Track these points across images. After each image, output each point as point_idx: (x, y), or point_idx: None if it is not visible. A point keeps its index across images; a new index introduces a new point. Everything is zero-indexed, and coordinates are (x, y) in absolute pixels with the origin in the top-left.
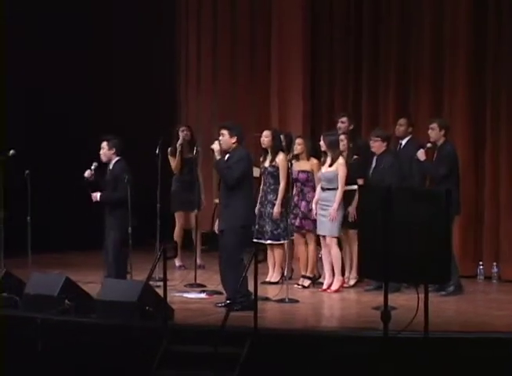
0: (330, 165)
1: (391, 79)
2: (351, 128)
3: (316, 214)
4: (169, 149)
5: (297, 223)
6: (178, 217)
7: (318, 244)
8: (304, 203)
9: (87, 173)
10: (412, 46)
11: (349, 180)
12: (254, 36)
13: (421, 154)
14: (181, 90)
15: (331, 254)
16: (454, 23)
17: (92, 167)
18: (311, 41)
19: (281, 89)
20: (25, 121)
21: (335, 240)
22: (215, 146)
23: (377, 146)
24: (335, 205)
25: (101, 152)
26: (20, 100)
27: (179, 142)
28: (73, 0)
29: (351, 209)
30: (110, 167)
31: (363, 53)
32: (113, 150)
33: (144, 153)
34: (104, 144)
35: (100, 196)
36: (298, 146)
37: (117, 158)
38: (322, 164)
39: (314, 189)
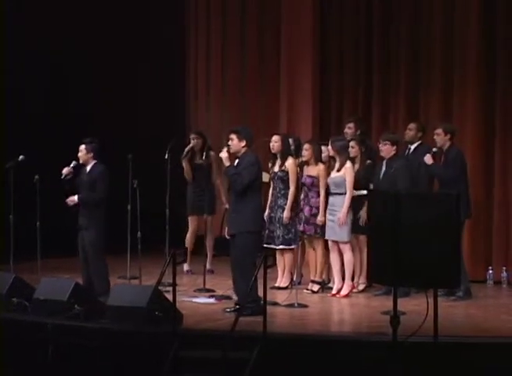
0: (338, 170)
1: (401, 84)
2: (359, 133)
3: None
4: (182, 155)
5: (300, 228)
6: (191, 221)
7: (327, 248)
8: (307, 208)
9: (65, 170)
10: (423, 51)
11: (362, 185)
12: (263, 42)
13: (428, 158)
14: (191, 97)
15: (344, 259)
16: (464, 28)
17: (72, 165)
18: (320, 47)
19: (290, 95)
20: (35, 124)
21: (348, 246)
22: (223, 154)
23: (386, 149)
24: (344, 210)
25: (79, 154)
26: (29, 102)
27: (187, 149)
28: (79, 3)
29: (363, 213)
30: (88, 169)
31: (373, 58)
32: (91, 154)
33: (156, 160)
34: (82, 147)
35: (79, 198)
36: (306, 151)
37: (94, 161)
38: (330, 169)
39: (318, 195)
